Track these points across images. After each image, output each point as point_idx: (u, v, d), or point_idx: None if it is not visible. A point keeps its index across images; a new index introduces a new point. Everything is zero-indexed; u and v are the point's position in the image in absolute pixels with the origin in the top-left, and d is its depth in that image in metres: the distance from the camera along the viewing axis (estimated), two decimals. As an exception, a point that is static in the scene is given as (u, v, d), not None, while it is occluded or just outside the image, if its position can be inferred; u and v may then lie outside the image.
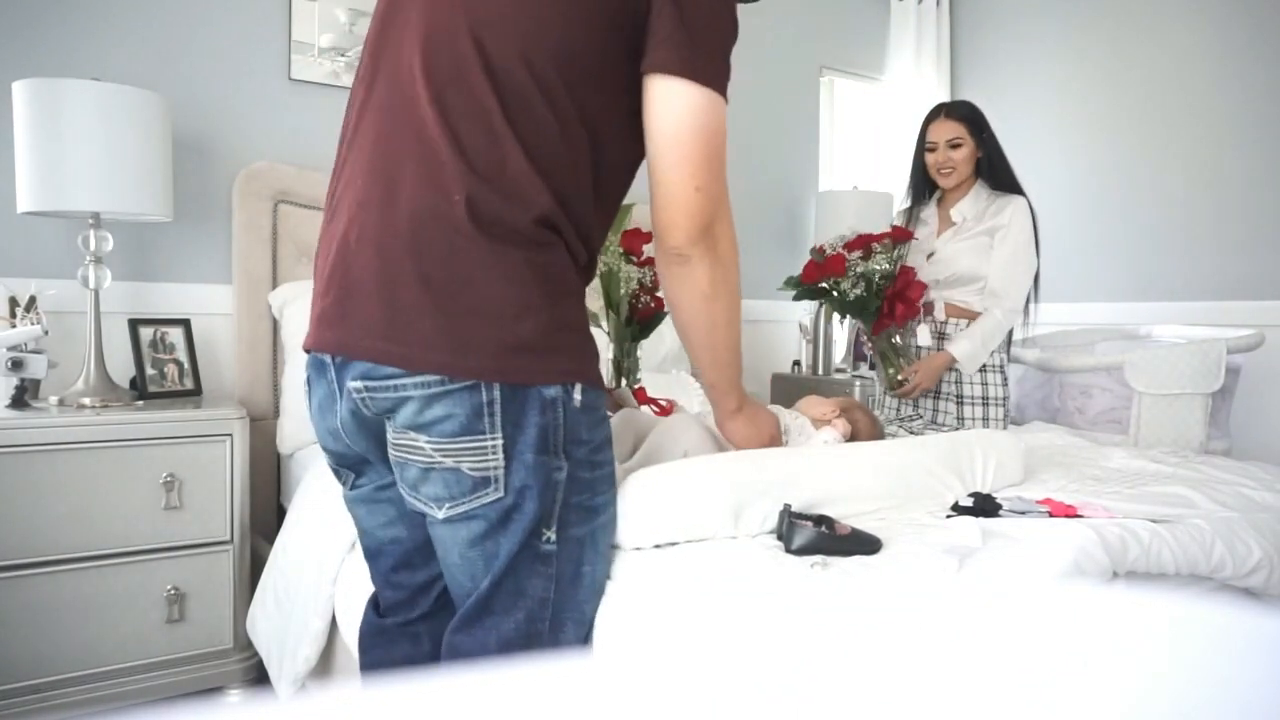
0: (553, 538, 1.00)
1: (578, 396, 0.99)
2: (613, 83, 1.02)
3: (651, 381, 1.57)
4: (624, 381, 1.89)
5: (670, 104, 1.01)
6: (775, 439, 1.39)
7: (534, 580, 1.00)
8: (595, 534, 1.06)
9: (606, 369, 2.05)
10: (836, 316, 2.68)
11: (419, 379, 0.95)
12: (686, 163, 1.02)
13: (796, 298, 2.37)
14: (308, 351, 1.07)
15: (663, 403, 1.50)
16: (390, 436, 1.01)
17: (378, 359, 0.96)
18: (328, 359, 1.03)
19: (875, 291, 2.20)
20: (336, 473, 1.17)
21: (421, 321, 0.95)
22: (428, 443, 0.97)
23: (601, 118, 1.02)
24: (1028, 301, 2.34)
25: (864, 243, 2.23)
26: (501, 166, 0.96)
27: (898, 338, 2.34)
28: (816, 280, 2.25)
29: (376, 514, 1.15)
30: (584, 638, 1.06)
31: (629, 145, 1.07)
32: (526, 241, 0.97)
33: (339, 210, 1.05)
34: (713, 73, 1.01)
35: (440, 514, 1.00)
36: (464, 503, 0.98)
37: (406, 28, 1.02)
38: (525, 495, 0.97)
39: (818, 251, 2.30)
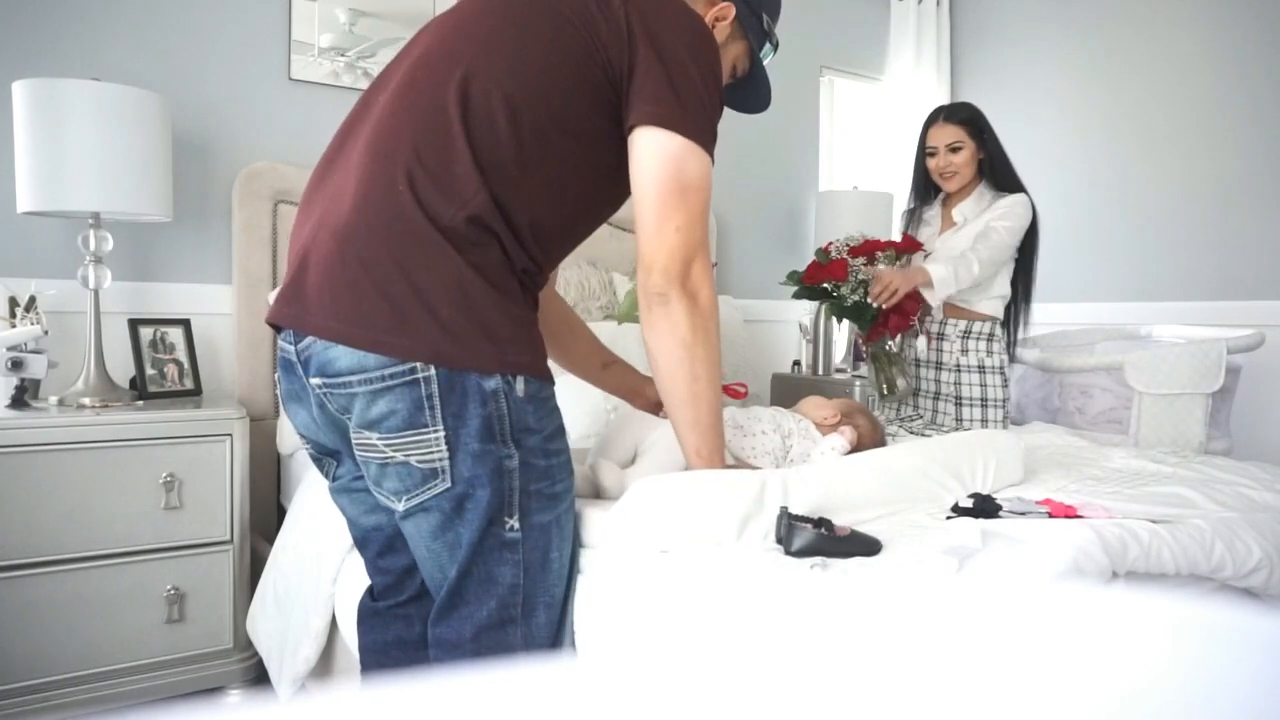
0: (516, 525, 1.05)
1: (520, 387, 1.04)
2: (579, 131, 1.08)
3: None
4: None
5: (653, 150, 1.07)
6: None
7: (503, 568, 1.05)
8: (560, 520, 1.11)
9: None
10: (835, 317, 2.68)
11: (363, 375, 1.00)
12: (666, 204, 1.08)
13: (796, 295, 2.36)
14: (270, 325, 1.13)
15: (737, 387, 1.49)
16: (352, 438, 1.07)
17: (321, 334, 1.02)
18: (294, 358, 1.09)
19: None
20: (319, 462, 1.23)
21: (361, 301, 1.00)
22: (379, 439, 1.03)
23: (564, 161, 1.08)
24: (1019, 300, 2.33)
25: (869, 249, 2.21)
26: (449, 166, 1.02)
27: (892, 345, 2.32)
28: (818, 281, 2.25)
29: (358, 503, 1.21)
30: (557, 620, 1.10)
31: (586, 193, 1.13)
32: (461, 238, 1.02)
33: (311, 206, 1.12)
34: (697, 130, 1.08)
35: (400, 506, 1.06)
36: (417, 494, 1.04)
37: (410, 55, 1.11)
38: (475, 484, 1.02)
39: (823, 252, 2.29)
